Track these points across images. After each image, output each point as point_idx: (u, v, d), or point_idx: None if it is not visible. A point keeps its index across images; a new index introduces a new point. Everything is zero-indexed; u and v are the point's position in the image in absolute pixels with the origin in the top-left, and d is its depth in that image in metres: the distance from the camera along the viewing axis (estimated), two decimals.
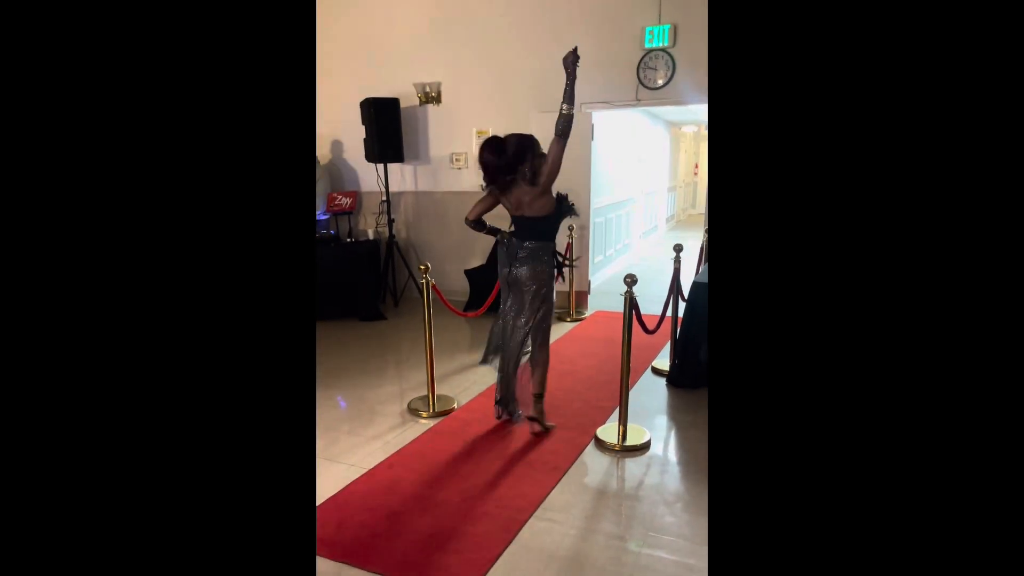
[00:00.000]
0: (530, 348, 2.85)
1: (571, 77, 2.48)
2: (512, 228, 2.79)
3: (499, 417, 3.04)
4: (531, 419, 2.87)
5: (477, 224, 2.82)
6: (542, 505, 2.30)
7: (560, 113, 2.50)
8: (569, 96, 2.48)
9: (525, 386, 3.01)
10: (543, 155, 2.64)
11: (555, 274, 2.77)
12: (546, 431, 2.89)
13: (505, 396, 2.99)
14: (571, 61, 2.47)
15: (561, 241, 4.84)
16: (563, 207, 2.71)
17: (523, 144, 2.61)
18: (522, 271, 2.70)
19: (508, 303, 2.87)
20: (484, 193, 2.77)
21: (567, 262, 2.75)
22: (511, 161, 2.60)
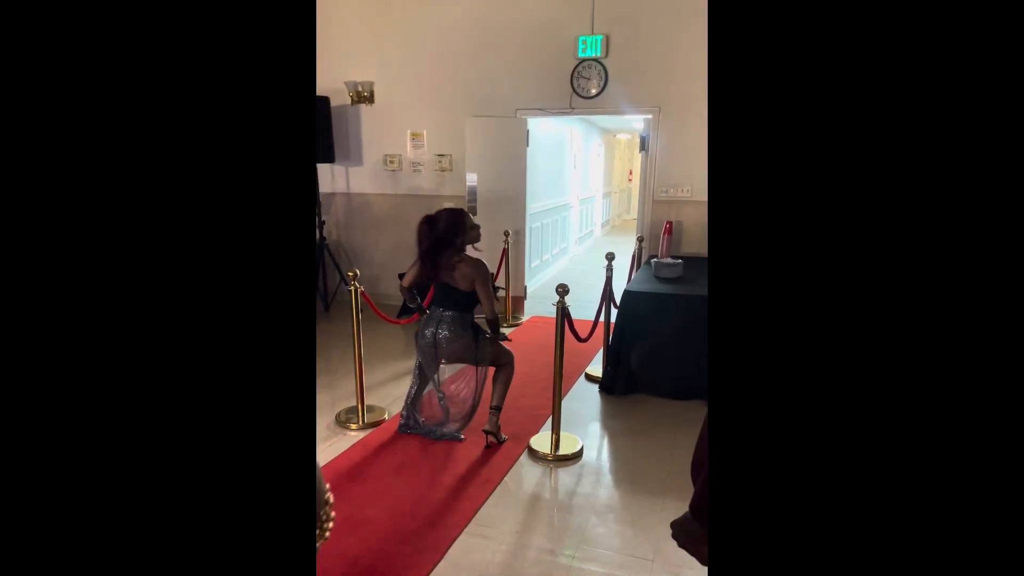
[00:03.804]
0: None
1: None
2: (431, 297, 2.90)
3: (403, 431, 3.01)
4: (487, 432, 2.83)
5: (411, 293, 2.89)
6: (473, 520, 2.25)
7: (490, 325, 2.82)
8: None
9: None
10: (475, 227, 2.79)
11: (476, 338, 2.84)
12: (500, 443, 2.87)
13: (409, 420, 3.02)
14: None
15: (496, 247, 4.85)
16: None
17: (454, 219, 2.73)
18: (445, 347, 2.80)
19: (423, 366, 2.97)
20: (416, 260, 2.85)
21: (487, 334, 2.88)
22: (443, 235, 2.71)
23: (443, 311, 2.80)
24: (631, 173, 13.64)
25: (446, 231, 2.69)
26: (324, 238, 5.28)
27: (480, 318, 2.83)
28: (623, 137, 12.79)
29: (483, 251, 3.10)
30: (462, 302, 2.77)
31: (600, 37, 4.48)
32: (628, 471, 2.68)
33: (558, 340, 2.72)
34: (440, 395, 3.00)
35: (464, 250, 2.75)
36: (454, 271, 2.71)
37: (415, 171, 5.25)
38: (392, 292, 5.28)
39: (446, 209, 2.80)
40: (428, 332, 2.82)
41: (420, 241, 2.72)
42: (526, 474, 2.63)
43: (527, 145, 4.91)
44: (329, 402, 3.36)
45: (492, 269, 4.78)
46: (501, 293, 4.95)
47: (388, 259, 5.46)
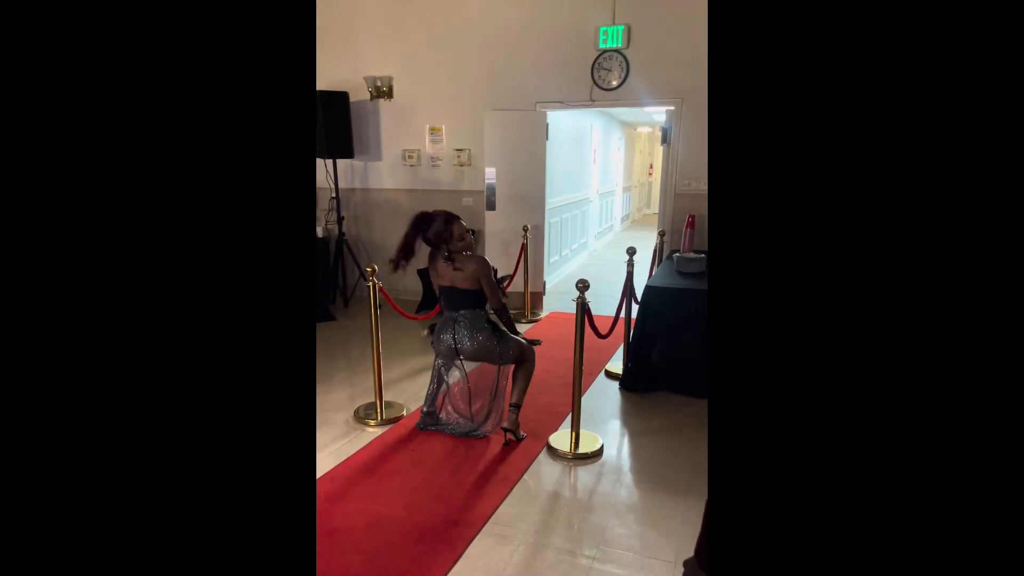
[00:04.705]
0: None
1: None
2: (441, 302, 2.89)
3: (422, 427, 2.98)
4: (505, 430, 2.79)
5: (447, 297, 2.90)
6: (491, 519, 2.22)
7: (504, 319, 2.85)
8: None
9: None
10: (464, 238, 2.75)
11: (496, 335, 2.82)
12: (519, 441, 2.84)
13: (431, 409, 3.01)
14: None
15: (515, 242, 4.80)
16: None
17: (444, 227, 2.74)
18: (466, 347, 2.79)
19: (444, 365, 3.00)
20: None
21: (503, 321, 2.90)
22: (433, 239, 2.74)
23: (457, 313, 2.79)
24: (651, 167, 13.47)
25: (436, 236, 2.72)
26: (343, 233, 5.29)
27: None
28: (644, 130, 12.63)
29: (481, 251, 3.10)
30: (471, 300, 2.77)
31: (622, 27, 4.40)
32: (649, 470, 2.63)
33: (578, 336, 2.67)
34: (445, 389, 3.01)
35: (451, 253, 2.74)
36: (457, 272, 2.72)
37: (434, 166, 5.22)
38: (411, 288, 5.27)
39: (440, 213, 2.78)
40: (446, 336, 2.81)
41: (407, 235, 2.74)
42: (545, 472, 2.59)
43: (546, 139, 4.85)
44: (348, 398, 3.36)
45: (511, 264, 4.76)
46: (508, 288, 4.91)
47: None
